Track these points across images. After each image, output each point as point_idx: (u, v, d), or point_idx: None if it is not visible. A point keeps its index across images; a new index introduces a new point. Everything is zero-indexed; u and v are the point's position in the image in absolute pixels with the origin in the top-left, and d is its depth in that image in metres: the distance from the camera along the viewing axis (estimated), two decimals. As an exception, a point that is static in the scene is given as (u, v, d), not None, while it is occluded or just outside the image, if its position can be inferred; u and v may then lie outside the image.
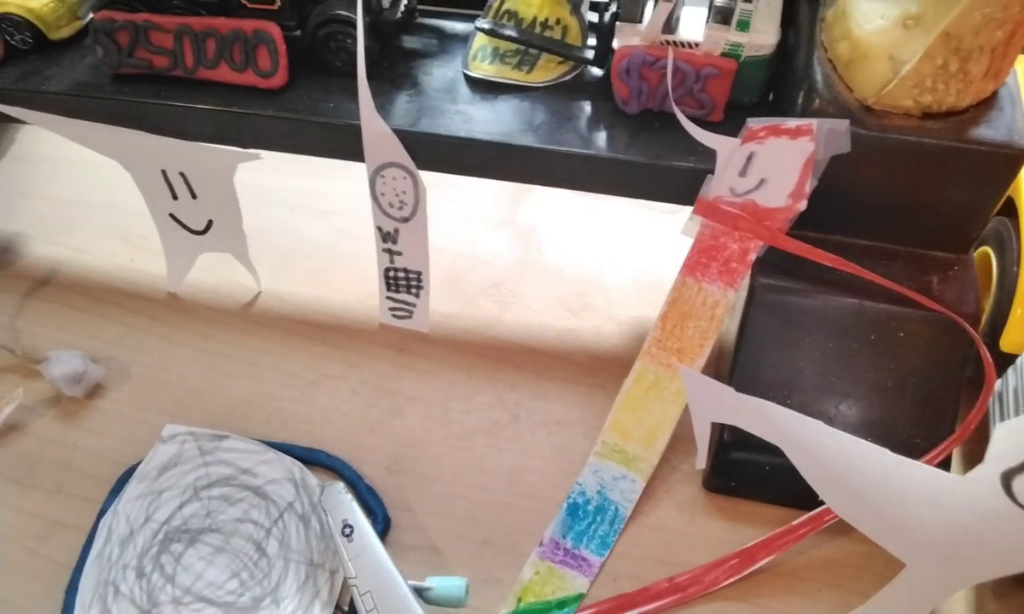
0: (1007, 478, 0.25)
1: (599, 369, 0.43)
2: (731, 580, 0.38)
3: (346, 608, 0.37)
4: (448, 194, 0.51)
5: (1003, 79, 0.33)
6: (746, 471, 0.39)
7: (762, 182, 0.35)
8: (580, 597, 0.38)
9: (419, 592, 0.36)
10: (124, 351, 0.46)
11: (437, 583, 0.36)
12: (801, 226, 0.36)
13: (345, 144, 0.39)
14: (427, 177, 0.39)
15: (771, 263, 0.37)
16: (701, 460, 0.38)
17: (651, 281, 0.48)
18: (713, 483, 0.40)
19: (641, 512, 0.40)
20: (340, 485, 0.38)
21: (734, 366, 0.38)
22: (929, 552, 0.30)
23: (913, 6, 0.31)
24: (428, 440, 0.42)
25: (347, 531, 0.37)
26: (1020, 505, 0.25)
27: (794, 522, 0.38)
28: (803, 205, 0.35)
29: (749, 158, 0.35)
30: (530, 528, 0.40)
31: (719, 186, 0.36)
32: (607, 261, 0.49)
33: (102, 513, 0.40)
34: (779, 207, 0.35)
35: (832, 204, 0.36)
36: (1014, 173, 0.33)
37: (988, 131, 0.33)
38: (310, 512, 0.40)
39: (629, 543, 0.40)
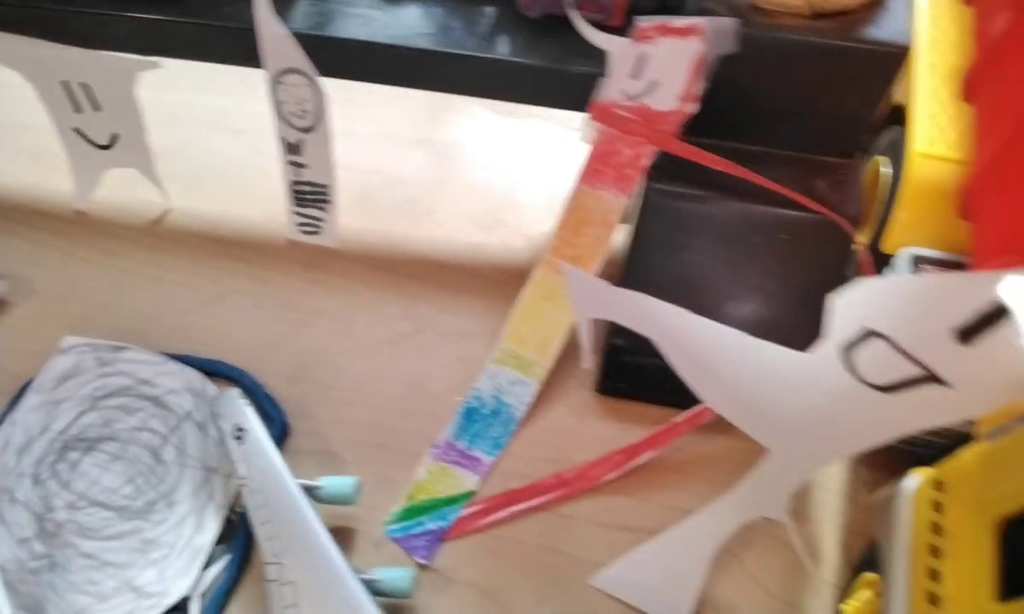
0: (847, 352, 0.26)
1: (506, 282, 0.44)
2: (615, 475, 0.39)
3: (239, 509, 0.38)
4: (363, 113, 0.51)
5: (886, -23, 0.33)
6: (634, 373, 0.40)
7: (653, 84, 0.35)
8: (470, 494, 0.39)
9: (309, 490, 0.37)
10: (29, 268, 0.46)
11: (328, 482, 0.37)
12: (695, 132, 0.36)
13: (245, 49, 0.39)
14: (343, 95, 0.39)
15: (663, 169, 0.37)
16: (586, 358, 0.38)
17: (562, 198, 0.48)
18: (604, 386, 0.41)
19: (535, 415, 0.41)
20: (235, 391, 0.38)
21: (626, 270, 0.39)
22: (788, 435, 0.31)
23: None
24: (332, 351, 0.43)
25: (239, 434, 0.37)
26: (861, 379, 0.26)
27: (675, 420, 0.39)
28: (693, 107, 0.35)
29: (640, 60, 0.35)
30: (428, 432, 0.40)
31: (611, 89, 0.36)
32: (521, 179, 0.49)
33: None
34: (670, 110, 0.36)
35: (724, 109, 0.36)
36: (896, 72, 0.33)
37: (874, 30, 0.33)
38: (208, 420, 0.40)
39: (522, 444, 0.40)
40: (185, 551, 0.37)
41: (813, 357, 0.27)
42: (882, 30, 0.33)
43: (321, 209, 0.44)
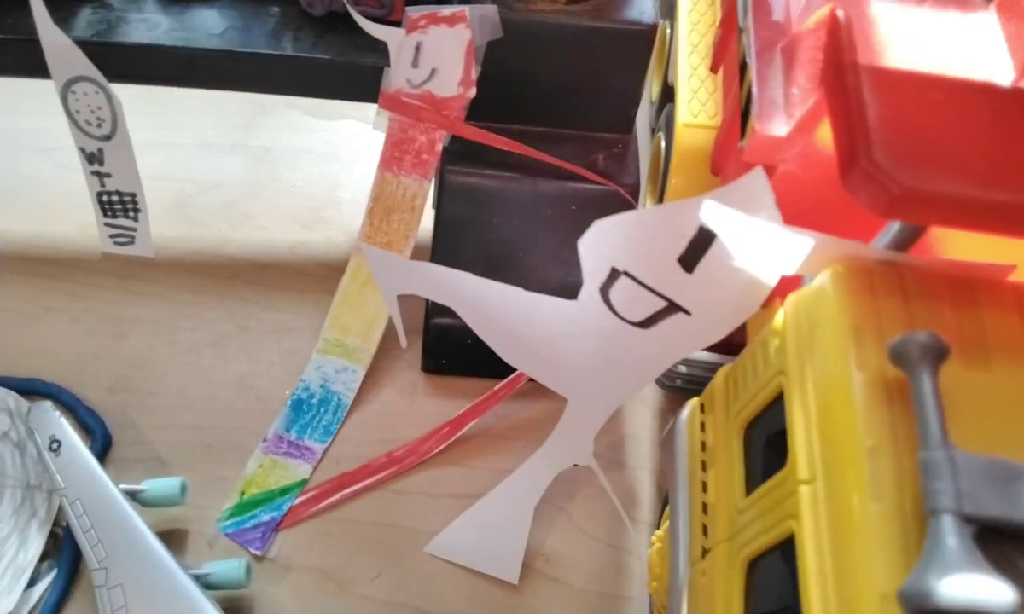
0: (604, 293, 0.28)
1: (330, 277, 0.45)
2: (442, 447, 0.41)
3: (65, 523, 0.37)
4: (175, 123, 0.51)
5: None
6: (455, 349, 0.42)
7: (434, 72, 0.37)
8: (303, 482, 0.40)
9: (133, 494, 0.37)
10: None
11: (151, 484, 0.37)
12: (483, 116, 0.39)
13: (30, 61, 0.38)
14: (154, 108, 0.39)
15: (457, 152, 0.40)
16: (402, 338, 0.40)
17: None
18: (428, 364, 0.43)
19: (364, 400, 0.42)
20: (47, 403, 0.38)
21: (434, 251, 0.41)
22: (579, 382, 0.34)
23: None
24: (153, 359, 0.43)
25: (54, 446, 0.37)
26: (622, 318, 0.29)
27: (494, 388, 0.41)
28: (473, 92, 0.37)
29: (417, 48, 0.37)
30: (257, 428, 0.41)
31: (396, 79, 0.38)
32: (339, 177, 0.50)
33: None
34: (453, 95, 0.38)
35: (504, 92, 0.39)
36: (648, 49, 0.37)
37: (622, 11, 0.37)
38: (27, 438, 0.39)
39: (353, 429, 0.42)
40: (8, 570, 0.36)
41: (581, 304, 0.30)
42: (630, 11, 0.36)
43: (131, 218, 0.44)
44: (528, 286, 0.40)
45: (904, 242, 0.22)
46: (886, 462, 0.19)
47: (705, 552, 0.28)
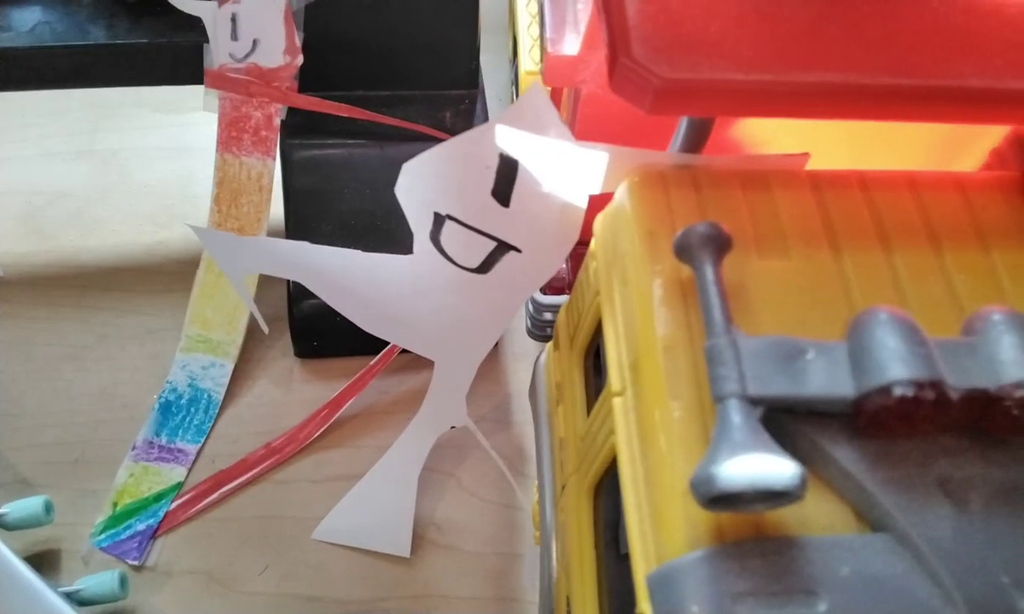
0: (436, 240, 0.28)
1: (189, 274, 0.43)
2: (323, 430, 0.40)
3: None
4: (16, 135, 0.49)
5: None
6: (323, 330, 0.41)
7: (255, 43, 0.36)
8: (178, 486, 0.38)
9: (-9, 521, 0.35)
10: None
11: (12, 507, 0.35)
12: (324, 86, 0.38)
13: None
14: None
15: (297, 125, 0.39)
16: (262, 324, 0.39)
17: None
18: (300, 349, 0.42)
19: (238, 394, 0.41)
20: None
21: (287, 231, 0.40)
22: (439, 341, 0.33)
23: None
24: (8, 380, 0.41)
25: (-102, 481, 0.35)
26: (460, 264, 0.28)
27: (370, 364, 0.40)
28: (300, 59, 0.36)
29: (234, 19, 0.35)
30: (125, 437, 0.39)
31: (218, 54, 0.36)
32: (192, 172, 0.49)
33: None
34: (279, 65, 0.37)
35: (338, 59, 0.38)
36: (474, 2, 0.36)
37: (444, -40, 0.36)
38: None
39: (228, 425, 0.40)
40: None
41: (419, 256, 0.29)
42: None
43: (-29, 238, 0.42)
44: (393, 253, 0.40)
45: (694, 142, 0.22)
46: (682, 360, 0.19)
47: (563, 489, 0.28)
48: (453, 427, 0.37)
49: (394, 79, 0.39)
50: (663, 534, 0.18)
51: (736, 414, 0.17)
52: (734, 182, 0.22)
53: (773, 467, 0.16)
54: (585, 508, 0.24)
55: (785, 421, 0.18)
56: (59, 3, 0.38)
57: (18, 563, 0.34)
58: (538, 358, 0.32)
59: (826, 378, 0.17)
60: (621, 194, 0.22)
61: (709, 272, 0.18)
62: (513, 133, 0.22)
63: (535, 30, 0.40)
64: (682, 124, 0.22)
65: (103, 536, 0.37)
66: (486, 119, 0.40)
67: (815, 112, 0.20)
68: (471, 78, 0.40)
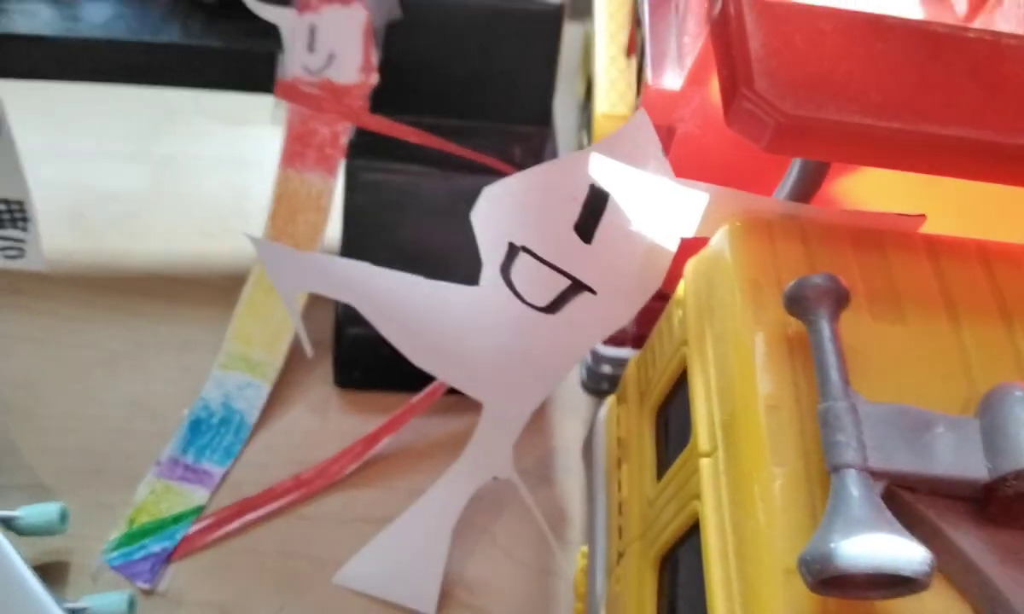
0: (506, 273, 0.26)
1: (234, 289, 0.42)
2: (355, 466, 0.38)
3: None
4: (75, 130, 0.48)
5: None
6: (371, 361, 0.39)
7: (331, 57, 0.35)
8: (199, 509, 0.37)
9: (6, 522, 0.33)
10: None
11: (27, 511, 0.34)
12: (395, 110, 0.37)
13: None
14: (52, 115, 0.36)
15: (364, 145, 0.38)
16: (307, 347, 0.37)
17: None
18: (342, 378, 0.40)
19: (271, 418, 0.39)
20: (-91, 424, 0.34)
21: (342, 254, 0.38)
22: (493, 383, 0.31)
23: None
24: (38, 380, 0.39)
25: (-85, 471, 0.33)
26: (527, 302, 0.27)
27: (411, 401, 0.38)
28: (375, 78, 0.35)
29: (312, 31, 0.35)
30: (151, 452, 0.38)
31: (292, 65, 0.36)
32: (248, 185, 0.48)
33: None
34: (353, 83, 0.36)
35: (413, 82, 0.37)
36: (555, 32, 0.35)
37: (528, -7, 0.35)
38: None
39: (257, 450, 0.39)
40: None
41: (485, 289, 0.27)
42: (537, -7, 0.34)
43: (20, 229, 0.41)
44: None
45: (805, 190, 0.20)
46: (788, 423, 0.17)
47: (620, 557, 0.26)
48: (496, 478, 0.34)
49: (466, 109, 0.38)
50: (756, 616, 0.16)
51: (855, 487, 0.15)
52: (844, 238, 0.20)
53: (900, 550, 0.14)
54: (649, 580, 0.22)
55: (904, 499, 0.16)
56: (135, 1, 0.37)
57: (26, 572, 0.32)
58: (598, 412, 0.30)
59: (956, 456, 0.15)
60: (720, 239, 0.20)
61: (826, 327, 0.17)
62: (609, 163, 0.20)
63: (613, 71, 0.39)
64: (793, 169, 0.20)
65: (116, 553, 0.35)
66: (555, 157, 0.39)
67: (943, 168, 0.18)
68: (544, 115, 0.39)
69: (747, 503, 0.17)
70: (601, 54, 0.39)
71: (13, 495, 0.36)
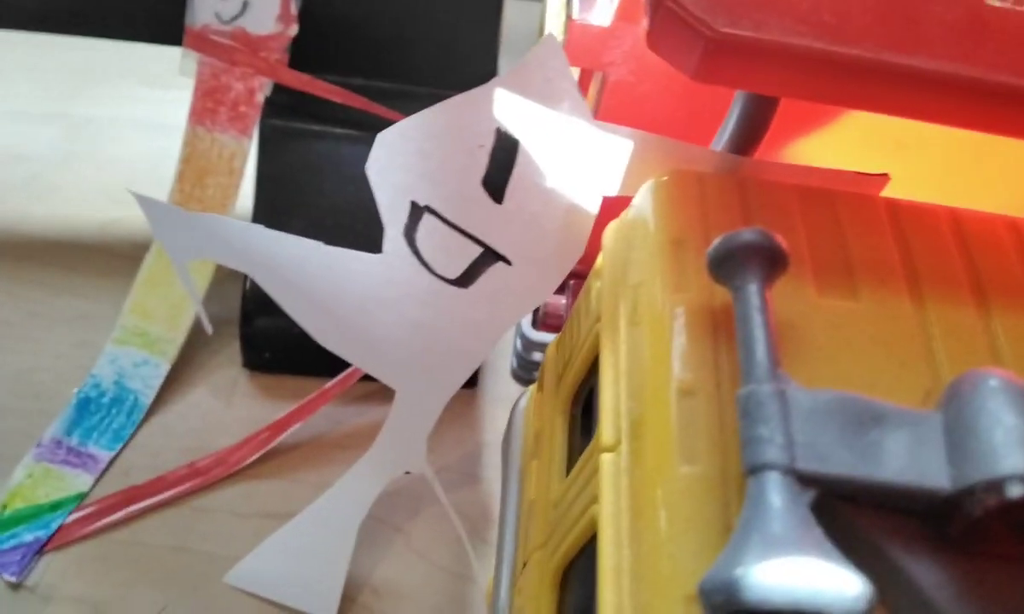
0: (410, 238, 0.23)
1: (141, 260, 0.38)
2: (258, 455, 0.34)
3: None
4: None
5: None
6: (275, 340, 0.36)
7: (246, 5, 0.32)
8: (80, 496, 0.33)
9: None
10: None
11: None
12: (320, 69, 0.33)
13: None
14: None
15: (282, 105, 0.34)
16: (205, 323, 0.34)
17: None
18: (249, 358, 0.37)
19: (170, 400, 0.36)
20: None
21: (253, 221, 0.35)
22: (403, 366, 0.28)
23: None
24: (-89, 347, 0.35)
25: None
26: (436, 273, 0.23)
27: (325, 386, 0.35)
28: (294, 29, 0.32)
29: (223, -29, 0.31)
30: (33, 431, 0.34)
31: (203, 11, 0.32)
32: (168, 151, 0.44)
33: None
34: (270, 33, 0.32)
35: (338, 38, 0.34)
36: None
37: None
38: None
39: (151, 434, 0.35)
40: None
41: (389, 257, 0.24)
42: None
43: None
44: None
45: (747, 136, 0.17)
46: (704, 413, 0.14)
47: (524, 566, 0.22)
48: (408, 473, 0.31)
49: (399, 71, 0.35)
50: (650, 653, 0.12)
51: (777, 494, 0.12)
52: (791, 197, 0.17)
53: (829, 580, 0.11)
54: (546, 598, 0.19)
55: (840, 513, 0.12)
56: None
57: None
58: (517, 401, 0.27)
59: (910, 460, 0.12)
60: (643, 195, 0.17)
61: (754, 294, 0.13)
62: (516, 100, 0.17)
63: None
64: (734, 109, 0.17)
65: (-18, 542, 0.31)
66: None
67: (909, 108, 0.15)
68: (486, 80, 0.35)
69: (648, 509, 0.13)
70: (551, 9, 0.36)
71: None
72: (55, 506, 0.32)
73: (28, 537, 0.32)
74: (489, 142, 0.19)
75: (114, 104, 0.45)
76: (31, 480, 0.33)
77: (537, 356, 0.32)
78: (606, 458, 0.15)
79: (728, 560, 0.11)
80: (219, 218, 0.27)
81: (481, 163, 0.19)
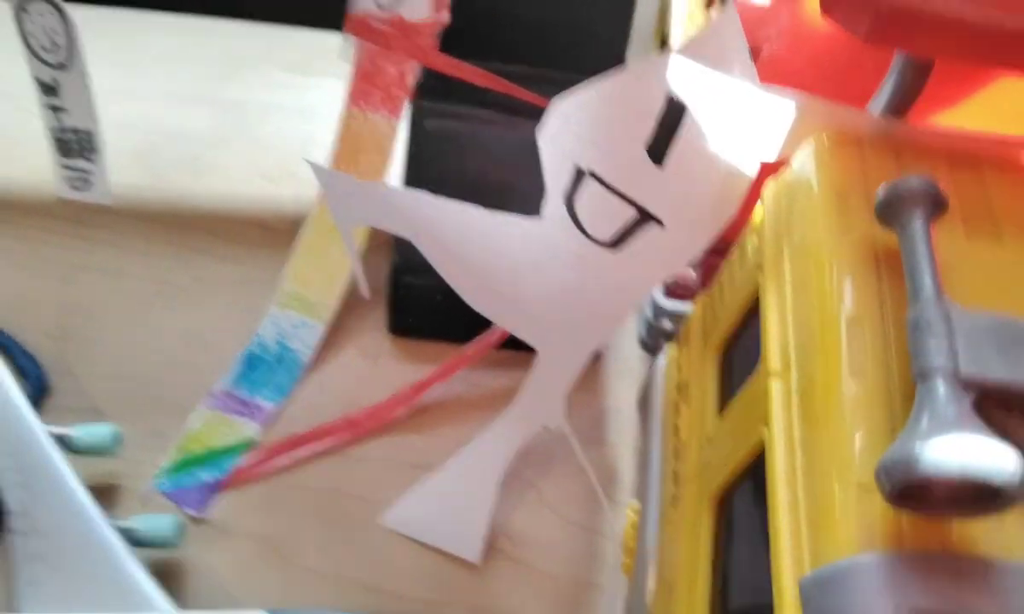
0: (570, 203, 0.25)
1: (294, 233, 0.42)
2: (405, 411, 0.38)
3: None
4: (146, 71, 0.49)
5: None
6: (423, 307, 0.39)
7: (403, -7, 0.35)
8: (250, 442, 0.37)
9: (61, 439, 0.34)
10: None
11: (82, 430, 0.34)
12: (461, 53, 0.36)
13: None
14: (125, 56, 0.37)
15: (430, 87, 0.37)
16: (363, 287, 0.37)
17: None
18: (395, 324, 0.40)
19: (324, 359, 0.39)
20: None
21: (402, 195, 0.38)
22: (548, 326, 0.30)
23: None
24: (99, 308, 0.40)
25: (-22, 381, 0.34)
26: (591, 237, 0.26)
27: (463, 351, 0.38)
28: (446, 16, 0.35)
29: (385, -34, 0.34)
30: (205, 384, 0.38)
31: (364, 0, 0.35)
32: (313, 135, 0.48)
33: None
34: (424, 20, 0.35)
35: (484, 28, 0.36)
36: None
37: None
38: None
39: (310, 389, 0.38)
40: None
41: (547, 222, 0.27)
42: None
43: (88, 160, 0.41)
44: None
45: (904, 97, 0.19)
46: (870, 337, 0.16)
47: (675, 502, 0.24)
48: (546, 429, 0.34)
49: (537, 56, 0.38)
50: (826, 533, 0.15)
51: (944, 391, 0.14)
52: (940, 155, 0.19)
53: (993, 454, 0.13)
54: (705, 521, 0.21)
55: (996, 417, 0.14)
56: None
57: (78, 487, 0.32)
58: (655, 361, 0.29)
59: (1062, 373, 0.14)
60: (805, 153, 0.19)
61: (920, 230, 0.15)
62: (690, 68, 0.19)
63: (691, 28, 0.37)
64: (891, 74, 0.19)
65: (166, 480, 0.35)
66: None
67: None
68: (616, 67, 0.38)
69: (821, 418, 0.16)
70: (679, 9, 0.38)
71: (69, 417, 0.36)
72: (228, 450, 0.36)
73: (206, 477, 0.36)
74: (658, 109, 0.21)
75: (260, 90, 0.50)
76: (206, 426, 0.37)
77: (666, 324, 0.34)
78: (775, 384, 0.18)
79: (905, 441, 0.13)
80: (387, 186, 0.30)
81: (647, 131, 0.22)
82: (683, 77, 0.20)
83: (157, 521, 0.33)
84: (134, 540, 0.32)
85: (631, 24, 0.36)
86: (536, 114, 0.36)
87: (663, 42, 0.43)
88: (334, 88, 0.48)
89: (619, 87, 0.21)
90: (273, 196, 0.45)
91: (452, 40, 0.36)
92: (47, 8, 0.37)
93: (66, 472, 0.32)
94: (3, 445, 0.33)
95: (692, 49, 0.19)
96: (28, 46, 0.38)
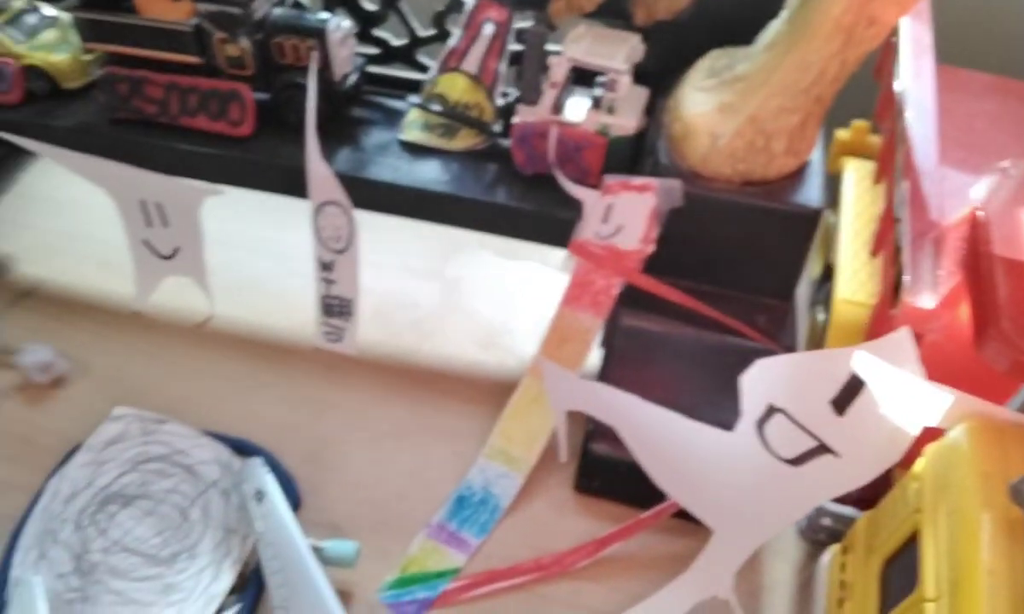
0: (759, 428, 0.33)
1: (498, 394, 0.51)
2: (586, 562, 0.44)
3: (253, 565, 0.43)
4: (386, 247, 0.60)
5: (803, 158, 0.42)
6: (609, 474, 0.46)
7: (619, 228, 0.44)
8: (457, 570, 0.44)
9: (315, 550, 0.42)
10: (89, 353, 0.53)
11: (332, 545, 0.43)
12: (657, 271, 0.45)
13: (295, 183, 0.48)
14: (371, 234, 0.47)
15: (630, 297, 0.46)
16: (563, 452, 0.45)
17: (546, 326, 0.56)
18: (582, 485, 0.47)
19: (519, 507, 0.47)
20: (258, 459, 0.45)
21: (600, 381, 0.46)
22: (727, 514, 0.37)
23: (727, 96, 0.41)
24: (343, 440, 0.49)
25: (259, 496, 0.43)
26: (774, 453, 0.33)
27: (642, 515, 0.45)
28: (651, 248, 0.44)
29: (608, 208, 0.44)
30: (422, 514, 0.46)
31: (586, 230, 0.45)
32: (515, 310, 0.57)
33: (50, 477, 0.46)
34: (633, 249, 0.44)
35: (678, 253, 0.45)
36: (811, 230, 0.42)
37: (792, 196, 0.42)
38: (232, 489, 0.46)
39: (506, 531, 0.46)
40: (201, 597, 0.42)
41: (736, 436, 0.34)
42: (799, 196, 0.41)
43: (344, 320, 0.52)
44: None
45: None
46: (1003, 586, 0.22)
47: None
48: (715, 597, 0.40)
49: (721, 278, 0.46)
50: None
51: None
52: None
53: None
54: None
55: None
56: (472, 165, 0.48)
57: (331, 595, 0.40)
58: (820, 558, 0.35)
59: None
60: (959, 433, 0.26)
61: (1048, 519, 0.22)
62: (872, 361, 0.27)
63: (856, 263, 0.45)
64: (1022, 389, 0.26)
65: (390, 593, 0.43)
66: (794, 329, 0.45)
67: None
68: (789, 292, 0.45)
69: (968, 642, 0.22)
70: (845, 246, 0.46)
71: (315, 530, 0.45)
72: (440, 575, 0.44)
73: (421, 595, 0.43)
74: (843, 378, 0.28)
75: (474, 268, 0.60)
76: (423, 552, 0.45)
77: (826, 521, 0.40)
78: (929, 606, 0.24)
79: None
80: (598, 384, 0.38)
81: (833, 390, 0.29)
82: (865, 366, 0.27)
83: (385, 628, 0.41)
84: (366, 643, 0.40)
85: (805, 262, 0.44)
86: (715, 326, 0.45)
87: (825, 266, 0.51)
88: (533, 270, 0.58)
89: (816, 359, 0.29)
90: (481, 361, 0.54)
91: (652, 262, 0.45)
92: (338, 210, 0.48)
93: (321, 579, 0.41)
94: (275, 550, 0.42)
95: (874, 350, 0.27)
96: (317, 235, 0.49)
